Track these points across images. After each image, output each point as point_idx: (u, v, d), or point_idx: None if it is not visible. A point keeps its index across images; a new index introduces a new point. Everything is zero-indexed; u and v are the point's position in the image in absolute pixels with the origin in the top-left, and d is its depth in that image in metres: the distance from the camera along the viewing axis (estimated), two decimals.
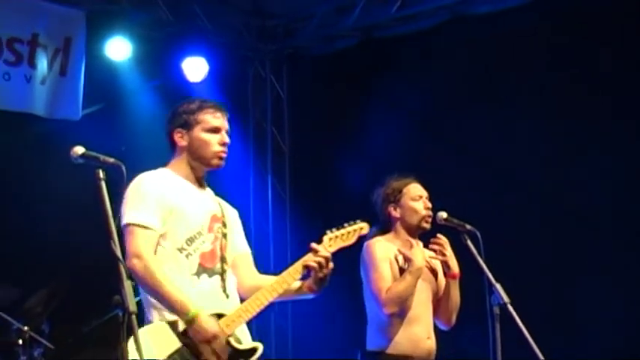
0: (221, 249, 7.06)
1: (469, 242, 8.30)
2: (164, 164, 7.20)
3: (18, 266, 9.52)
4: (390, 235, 8.59)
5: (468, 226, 8.35)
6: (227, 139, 7.17)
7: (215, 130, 7.12)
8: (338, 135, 14.05)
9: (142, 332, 6.52)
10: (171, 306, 6.66)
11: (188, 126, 7.14)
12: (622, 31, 12.50)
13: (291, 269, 7.18)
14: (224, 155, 7.18)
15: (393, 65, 14.14)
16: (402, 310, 8.32)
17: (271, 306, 14.42)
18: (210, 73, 14.21)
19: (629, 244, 12.41)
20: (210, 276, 6.93)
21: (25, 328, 11.23)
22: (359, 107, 14.02)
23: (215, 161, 7.17)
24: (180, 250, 6.85)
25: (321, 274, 7.11)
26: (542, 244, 10.82)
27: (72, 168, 6.91)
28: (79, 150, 6.85)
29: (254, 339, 13.02)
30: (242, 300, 7.14)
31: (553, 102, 12.98)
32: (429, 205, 8.59)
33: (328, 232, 7.37)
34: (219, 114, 7.20)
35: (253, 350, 6.97)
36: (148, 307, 6.82)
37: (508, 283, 8.16)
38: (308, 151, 14.93)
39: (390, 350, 8.38)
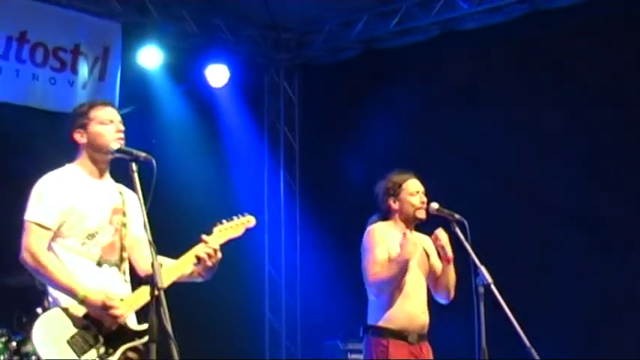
0: (120, 239, 7.01)
1: (457, 230, 8.37)
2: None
3: None
4: (390, 222, 8.61)
5: (457, 216, 8.40)
6: (122, 127, 7.12)
7: (108, 122, 7.06)
8: (342, 134, 14.09)
9: (43, 318, 6.65)
10: (64, 292, 6.66)
11: (84, 125, 7.05)
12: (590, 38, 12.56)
13: (184, 258, 7.09)
14: (122, 140, 7.06)
15: (391, 73, 14.17)
16: (398, 288, 8.36)
17: (281, 285, 14.59)
18: (230, 79, 14.16)
19: (600, 232, 12.45)
20: (110, 266, 6.90)
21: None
22: (361, 110, 14.03)
23: (114, 144, 6.99)
24: (83, 244, 6.83)
25: (209, 263, 7.18)
26: (523, 232, 10.85)
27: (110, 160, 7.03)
28: (115, 145, 6.94)
29: (264, 317, 12.92)
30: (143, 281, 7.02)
31: (531, 104, 13.08)
32: (425, 199, 8.61)
33: (218, 224, 7.41)
34: (108, 108, 7.18)
35: (144, 332, 6.78)
36: (49, 294, 6.82)
37: (491, 267, 8.21)
38: (316, 149, 14.96)
39: (388, 324, 8.41)
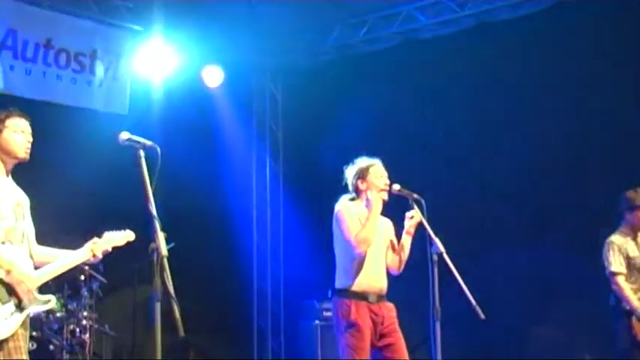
0: (22, 226, 7.03)
1: (415, 207, 8.43)
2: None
3: (82, 220, 9.53)
4: (358, 201, 8.63)
5: (415, 195, 8.45)
6: (30, 139, 7.16)
7: (20, 132, 7.07)
8: (319, 127, 14.10)
9: None
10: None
11: None
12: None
13: (85, 253, 7.39)
14: (28, 150, 7.15)
15: (360, 76, 14.22)
16: (362, 257, 8.40)
17: (267, 255, 14.56)
18: (225, 80, 14.22)
19: (536, 209, 12.52)
20: (13, 244, 6.89)
21: (86, 267, 11.33)
22: (335, 107, 14.05)
23: (22, 154, 7.10)
24: None
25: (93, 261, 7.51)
26: (470, 209, 10.89)
27: (120, 148, 7.01)
28: (125, 135, 6.92)
29: (253, 282, 12.81)
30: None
31: (477, 101, 13.24)
32: (388, 181, 8.61)
33: (106, 234, 7.56)
34: (22, 120, 7.17)
35: (48, 301, 7.09)
36: None
37: (444, 239, 8.25)
38: (297, 139, 14.99)
39: (352, 287, 8.42)
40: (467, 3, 13.28)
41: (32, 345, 10.89)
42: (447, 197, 8.57)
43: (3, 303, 6.70)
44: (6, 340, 6.72)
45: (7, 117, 7.08)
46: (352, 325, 8.32)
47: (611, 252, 9.78)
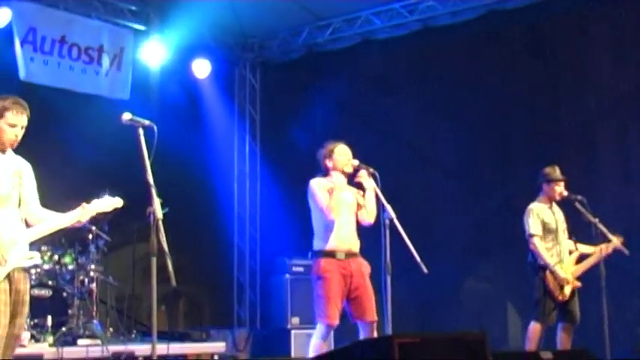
0: (18, 191, 6.83)
1: (372, 179, 8.45)
2: None
3: (88, 187, 9.46)
4: (327, 177, 8.64)
5: (371, 169, 8.49)
6: (20, 133, 6.86)
7: (13, 126, 6.80)
8: (291, 112, 14.09)
9: None
10: None
11: None
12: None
13: (74, 216, 7.03)
14: (15, 143, 6.88)
15: (326, 70, 14.16)
16: (332, 222, 8.43)
17: (246, 219, 14.51)
18: (212, 71, 14.14)
19: (474, 183, 12.56)
20: (5, 208, 6.72)
21: (93, 227, 11.29)
22: (305, 96, 14.05)
23: (7, 145, 6.84)
24: None
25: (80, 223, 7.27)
26: (418, 182, 10.90)
27: (122, 128, 6.94)
28: (127, 116, 6.89)
29: (234, 242, 12.81)
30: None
31: (425, 93, 13.22)
32: (351, 158, 8.62)
33: (94, 201, 7.15)
34: (20, 117, 6.86)
35: (31, 257, 6.82)
36: None
37: (395, 207, 8.25)
38: (272, 122, 14.93)
39: (322, 247, 8.46)
40: (415, 10, 13.22)
41: (48, 292, 10.88)
42: (398, 172, 8.57)
43: None
44: None
45: (8, 109, 6.81)
46: (321, 278, 8.36)
47: (530, 217, 9.90)
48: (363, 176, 8.61)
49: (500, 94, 12.55)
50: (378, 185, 8.45)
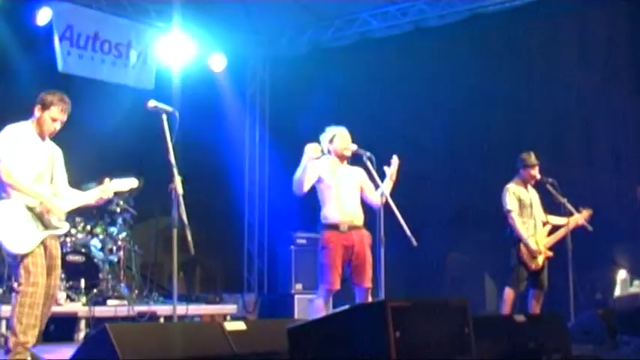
0: (51, 171, 6.97)
1: (368, 162, 8.36)
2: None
3: (117, 166, 9.36)
4: (329, 158, 8.59)
5: (368, 153, 8.38)
6: (59, 126, 7.03)
7: (55, 120, 6.95)
8: (297, 101, 13.99)
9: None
10: (29, 195, 6.72)
11: (44, 107, 6.94)
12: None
13: (94, 195, 7.24)
14: (54, 133, 7.06)
15: (328, 64, 14.09)
16: (333, 197, 8.44)
17: (255, 196, 14.47)
18: (227, 65, 14.08)
19: (457, 161, 12.58)
20: (40, 183, 6.86)
21: (120, 202, 11.29)
22: (309, 86, 13.95)
23: (47, 134, 7.01)
24: (29, 170, 6.81)
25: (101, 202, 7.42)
26: (407, 163, 10.84)
27: (148, 113, 6.89)
28: (152, 103, 6.84)
29: (244, 217, 12.67)
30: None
31: (411, 86, 13.14)
32: (350, 143, 8.56)
33: (114, 181, 7.38)
34: (63, 114, 7.02)
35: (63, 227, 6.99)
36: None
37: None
38: (279, 110, 14.86)
39: (326, 221, 8.42)
40: (407, 12, 13.21)
41: (82, 258, 10.90)
42: (390, 156, 8.55)
43: (26, 226, 6.61)
44: (26, 255, 6.60)
45: (54, 104, 6.96)
46: (325, 248, 8.31)
47: (507, 195, 9.96)
48: (392, 170, 8.54)
49: (481, 88, 12.52)
50: (374, 166, 8.39)
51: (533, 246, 9.78)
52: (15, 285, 6.74)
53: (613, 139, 11.80)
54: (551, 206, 10.17)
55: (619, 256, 11.45)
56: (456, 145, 12.84)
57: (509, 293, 9.81)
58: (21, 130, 6.94)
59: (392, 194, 8.34)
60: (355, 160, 8.61)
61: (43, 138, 7.02)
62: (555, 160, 11.14)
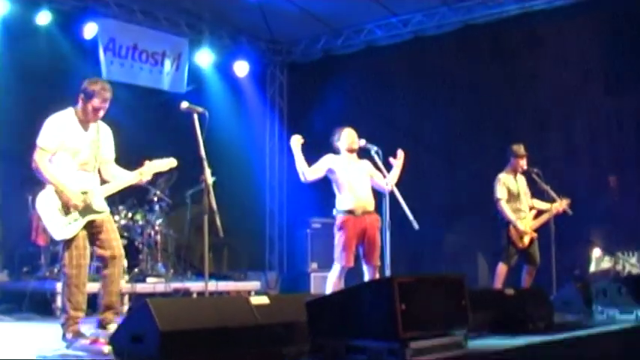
0: (95, 157, 6.71)
1: (375, 155, 8.36)
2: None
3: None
4: (339, 154, 8.58)
5: (375, 147, 8.40)
6: (101, 114, 6.76)
7: (97, 109, 6.67)
8: (312, 102, 13.94)
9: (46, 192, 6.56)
10: (51, 184, 6.49)
11: (87, 98, 6.64)
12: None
13: (135, 175, 6.91)
14: (97, 119, 6.77)
15: (340, 69, 14.07)
16: (347, 186, 8.40)
17: (275, 185, 14.43)
18: (249, 71, 14.11)
19: (454, 157, 12.51)
20: (87, 172, 6.66)
21: (157, 192, 11.28)
22: (322, 89, 13.92)
23: (91, 121, 6.73)
24: (73, 158, 6.61)
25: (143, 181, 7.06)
26: (411, 156, 10.80)
27: (181, 113, 6.88)
28: (185, 104, 6.80)
29: (266, 203, 12.59)
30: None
31: (418, 87, 13.16)
32: (357, 139, 8.53)
33: (154, 161, 7.04)
34: (105, 102, 6.71)
35: (102, 211, 6.71)
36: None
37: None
38: (296, 111, 14.85)
39: (342, 207, 8.38)
40: (408, 23, 13.23)
41: (125, 242, 10.89)
42: (394, 149, 8.54)
43: (65, 214, 6.49)
44: (69, 240, 6.49)
45: (96, 95, 6.68)
46: (341, 229, 8.28)
47: (498, 184, 9.98)
48: (398, 162, 8.55)
49: (473, 88, 12.56)
50: (380, 159, 8.37)
51: (520, 227, 9.83)
52: (61, 267, 6.67)
53: (589, 133, 11.79)
54: (536, 193, 10.17)
55: (594, 237, 11.46)
56: (451, 139, 12.82)
57: (502, 268, 9.89)
58: (64, 120, 6.69)
59: (397, 184, 8.33)
60: (364, 153, 8.58)
61: (86, 126, 6.75)
62: (539, 152, 11.11)
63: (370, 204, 8.47)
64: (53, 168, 6.56)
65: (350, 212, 8.32)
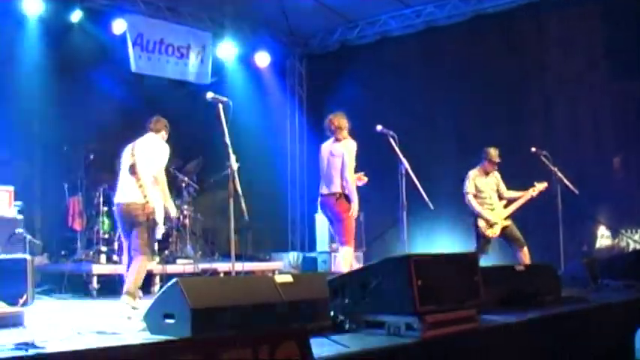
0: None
1: (391, 139, 8.31)
2: None
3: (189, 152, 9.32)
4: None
5: (391, 132, 8.35)
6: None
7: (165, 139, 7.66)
8: (329, 91, 13.87)
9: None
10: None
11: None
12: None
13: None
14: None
15: (355, 59, 14.06)
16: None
17: (296, 174, 14.42)
18: (270, 62, 14.17)
19: (466, 144, 12.43)
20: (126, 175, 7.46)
21: (185, 178, 11.34)
22: (339, 79, 13.91)
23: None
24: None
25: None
26: (425, 142, 10.81)
27: (206, 103, 6.90)
28: (210, 94, 6.83)
29: (287, 185, 12.46)
30: None
31: (428, 75, 13.10)
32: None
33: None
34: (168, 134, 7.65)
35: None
36: None
37: (409, 160, 8.19)
38: (314, 99, 14.86)
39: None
40: (420, 14, 13.25)
41: None
42: (408, 135, 8.53)
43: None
44: None
45: (166, 129, 7.70)
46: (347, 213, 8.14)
47: (467, 180, 9.97)
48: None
49: (483, 76, 12.50)
50: (397, 144, 8.29)
51: (489, 217, 9.79)
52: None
53: (594, 117, 11.75)
54: (543, 174, 10.04)
55: (599, 215, 11.44)
56: (462, 125, 12.78)
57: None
58: None
59: (412, 166, 8.26)
60: (380, 137, 8.45)
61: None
62: (546, 135, 11.11)
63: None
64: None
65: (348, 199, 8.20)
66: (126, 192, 7.32)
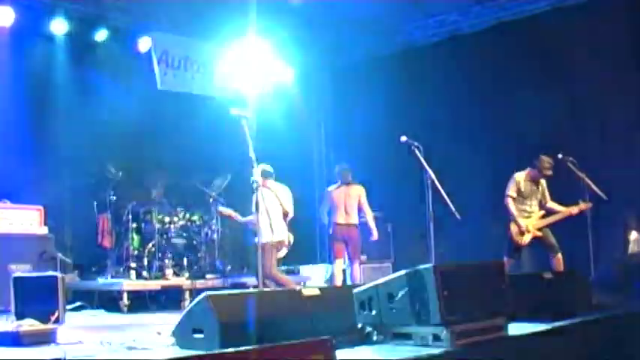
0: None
1: (416, 150, 8.33)
2: None
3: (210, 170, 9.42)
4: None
5: (416, 143, 8.36)
6: None
7: None
8: (355, 102, 13.96)
9: None
10: None
11: None
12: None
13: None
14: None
15: (380, 70, 13.90)
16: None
17: (323, 186, 14.38)
18: (295, 74, 14.27)
19: (495, 160, 12.38)
20: None
21: (213, 193, 11.45)
22: (366, 89, 13.94)
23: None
24: None
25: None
26: (449, 153, 10.79)
27: (230, 118, 6.96)
28: (234, 110, 6.92)
29: (314, 187, 12.50)
30: None
31: (453, 84, 13.07)
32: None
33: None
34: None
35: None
36: None
37: (434, 169, 8.20)
38: (341, 110, 14.91)
39: None
40: (444, 23, 13.28)
41: (184, 241, 11.05)
42: (434, 147, 8.53)
43: None
44: None
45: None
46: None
47: (511, 182, 10.05)
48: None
49: (509, 82, 12.46)
50: (421, 154, 8.32)
51: (522, 223, 9.89)
52: None
53: (623, 120, 11.65)
54: (571, 181, 10.01)
55: (630, 220, 11.37)
56: (488, 133, 12.69)
57: (507, 262, 9.79)
58: None
59: (438, 179, 8.27)
60: (405, 149, 8.49)
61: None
62: (574, 139, 11.07)
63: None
64: None
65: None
66: None
